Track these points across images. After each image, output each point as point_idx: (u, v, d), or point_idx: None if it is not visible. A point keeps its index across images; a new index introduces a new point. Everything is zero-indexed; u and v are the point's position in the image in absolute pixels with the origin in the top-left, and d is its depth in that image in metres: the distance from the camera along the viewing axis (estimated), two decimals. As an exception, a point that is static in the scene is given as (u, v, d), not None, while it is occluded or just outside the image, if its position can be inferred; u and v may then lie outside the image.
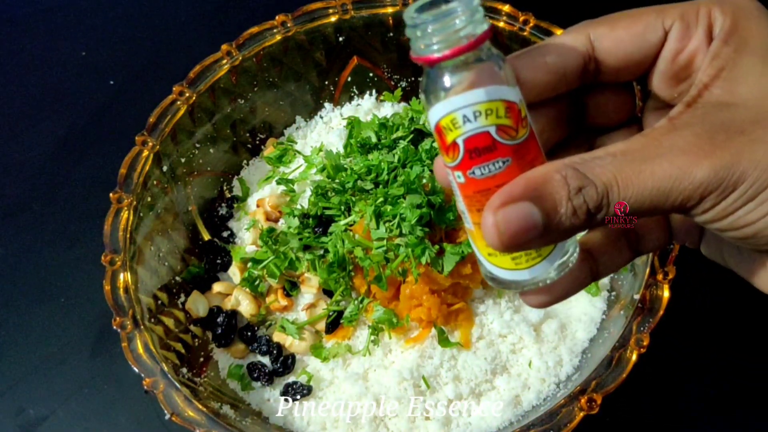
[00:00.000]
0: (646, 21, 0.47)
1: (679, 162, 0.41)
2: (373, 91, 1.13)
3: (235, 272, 0.97)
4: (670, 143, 0.42)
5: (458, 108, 0.43)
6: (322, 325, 0.92)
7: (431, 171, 0.92)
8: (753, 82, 0.43)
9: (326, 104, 1.13)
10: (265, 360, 0.92)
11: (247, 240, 1.00)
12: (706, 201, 0.42)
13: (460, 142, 0.44)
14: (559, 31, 0.95)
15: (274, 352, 0.91)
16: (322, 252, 0.92)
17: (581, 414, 0.73)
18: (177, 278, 0.95)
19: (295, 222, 0.94)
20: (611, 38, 0.48)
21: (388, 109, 1.11)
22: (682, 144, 0.42)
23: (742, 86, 0.44)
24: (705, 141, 0.42)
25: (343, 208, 0.92)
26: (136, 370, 0.78)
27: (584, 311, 0.91)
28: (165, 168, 0.95)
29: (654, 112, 0.52)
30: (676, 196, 0.41)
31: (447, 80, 0.44)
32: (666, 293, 0.79)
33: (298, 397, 0.87)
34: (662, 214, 0.51)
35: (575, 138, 0.54)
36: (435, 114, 0.44)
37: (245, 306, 0.93)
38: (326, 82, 1.11)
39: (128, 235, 0.86)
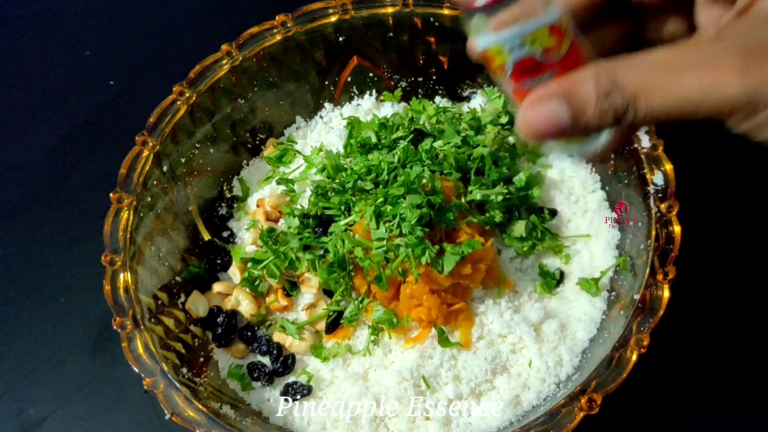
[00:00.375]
0: None
1: (710, 76, 0.42)
2: (373, 91, 1.13)
3: (235, 272, 0.97)
4: (707, 55, 0.42)
5: (504, 40, 0.46)
6: (322, 325, 0.92)
7: (431, 171, 0.92)
8: None
9: (326, 104, 1.13)
10: (265, 360, 0.92)
11: (247, 240, 1.00)
12: (736, 116, 0.43)
13: (507, 66, 0.47)
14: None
15: (274, 352, 0.91)
16: (322, 252, 0.92)
17: (581, 414, 0.73)
18: (177, 278, 0.95)
19: (295, 222, 0.94)
20: None
21: (388, 109, 1.11)
22: (719, 57, 0.42)
23: None
24: (741, 57, 0.42)
25: (343, 208, 0.92)
26: (136, 370, 0.78)
27: (584, 311, 0.91)
28: (165, 168, 0.95)
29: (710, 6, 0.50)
30: (705, 109, 0.43)
31: (490, 15, 0.47)
32: (666, 293, 0.79)
33: (298, 397, 0.87)
34: (692, 121, 0.51)
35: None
36: (480, 43, 0.47)
37: (245, 306, 0.93)
38: (326, 82, 1.11)
39: (128, 235, 0.86)
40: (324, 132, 1.11)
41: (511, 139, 1.01)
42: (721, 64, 0.42)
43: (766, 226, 1.05)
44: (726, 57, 0.42)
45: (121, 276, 0.83)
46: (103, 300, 0.82)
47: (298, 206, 0.98)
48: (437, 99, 1.13)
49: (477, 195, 0.92)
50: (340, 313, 0.91)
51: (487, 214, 0.93)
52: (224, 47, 1.00)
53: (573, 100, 0.44)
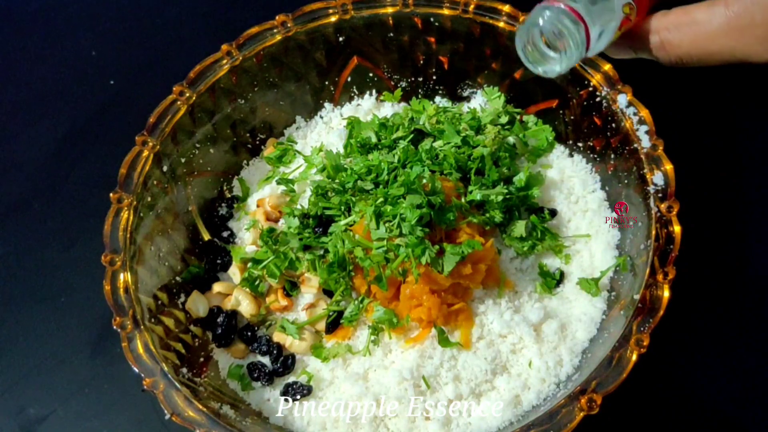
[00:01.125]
0: None
1: (740, 44, 0.57)
2: (373, 91, 1.13)
3: (235, 272, 0.97)
4: (735, 21, 0.56)
5: None
6: (322, 325, 0.92)
7: (431, 171, 0.92)
8: None
9: (326, 104, 1.13)
10: (265, 360, 0.92)
11: (247, 240, 1.00)
12: None
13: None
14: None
15: (274, 352, 0.91)
16: (322, 252, 0.92)
17: (581, 414, 0.73)
18: (177, 278, 0.95)
19: (295, 222, 0.94)
20: None
21: (388, 109, 1.11)
22: (747, 25, 0.56)
23: None
24: (765, 27, 0.55)
25: (343, 208, 0.92)
26: (136, 370, 0.78)
27: (584, 311, 0.91)
28: (165, 168, 0.95)
29: None
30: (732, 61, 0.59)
31: None
32: (666, 293, 0.79)
33: (298, 397, 0.87)
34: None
35: None
36: None
37: (245, 306, 0.93)
38: (326, 82, 1.11)
39: (128, 235, 0.86)
40: (324, 132, 1.11)
41: (511, 139, 1.01)
42: (749, 33, 0.55)
43: (766, 226, 1.06)
44: (753, 25, 0.55)
45: (121, 276, 0.83)
46: (103, 300, 0.82)
47: (298, 206, 0.98)
48: (437, 99, 1.13)
49: (477, 195, 0.92)
50: (340, 313, 0.91)
51: (487, 214, 0.93)
52: (224, 47, 1.00)
53: (637, 48, 0.66)
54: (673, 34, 0.61)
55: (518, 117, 1.06)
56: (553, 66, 0.65)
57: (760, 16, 0.54)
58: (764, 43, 0.55)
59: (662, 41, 0.62)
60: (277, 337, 0.92)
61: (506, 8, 0.98)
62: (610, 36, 0.64)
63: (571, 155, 1.04)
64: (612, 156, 0.96)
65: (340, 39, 1.05)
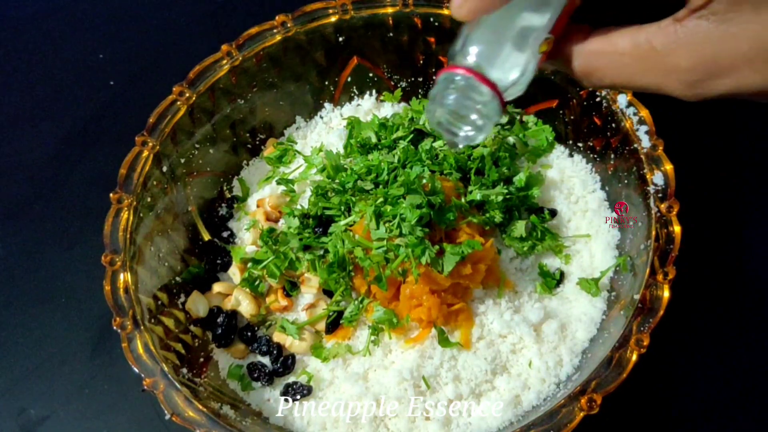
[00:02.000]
0: None
1: (662, 83, 0.53)
2: (373, 91, 1.13)
3: (235, 272, 0.97)
4: (661, 62, 0.51)
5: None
6: (322, 325, 0.92)
7: (431, 171, 0.92)
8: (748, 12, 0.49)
9: (326, 104, 1.13)
10: (265, 360, 0.92)
11: (247, 240, 1.00)
12: None
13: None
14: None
15: (274, 352, 0.91)
16: (322, 252, 0.92)
17: (581, 414, 0.73)
18: (177, 278, 0.95)
19: (295, 222, 0.94)
20: None
21: (388, 109, 1.11)
22: (671, 68, 0.51)
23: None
24: (689, 72, 0.51)
25: (343, 208, 0.92)
26: (136, 370, 0.78)
27: (584, 311, 0.91)
28: (165, 168, 0.95)
29: None
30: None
31: None
32: (666, 293, 0.79)
33: (298, 397, 0.87)
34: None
35: None
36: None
37: (245, 306, 0.93)
38: (326, 82, 1.11)
39: (128, 235, 0.86)
40: (324, 132, 1.11)
41: (511, 139, 1.01)
42: (673, 76, 0.51)
43: (766, 226, 1.05)
44: (678, 70, 0.51)
45: (121, 276, 0.83)
46: (103, 300, 0.82)
47: (298, 206, 0.98)
48: (437, 99, 1.13)
49: (477, 195, 0.92)
50: (340, 313, 0.91)
51: (487, 214, 0.93)
52: (224, 47, 1.00)
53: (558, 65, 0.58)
54: (596, 61, 0.55)
55: (518, 117, 1.06)
56: (475, 137, 0.58)
57: (685, 61, 0.50)
58: (690, 88, 0.51)
59: (585, 67, 0.56)
60: (277, 337, 0.92)
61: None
62: (528, 80, 0.56)
63: (571, 155, 1.04)
64: (612, 156, 0.96)
65: (340, 39, 1.05)
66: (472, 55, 0.54)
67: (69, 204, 1.15)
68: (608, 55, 0.54)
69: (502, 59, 0.54)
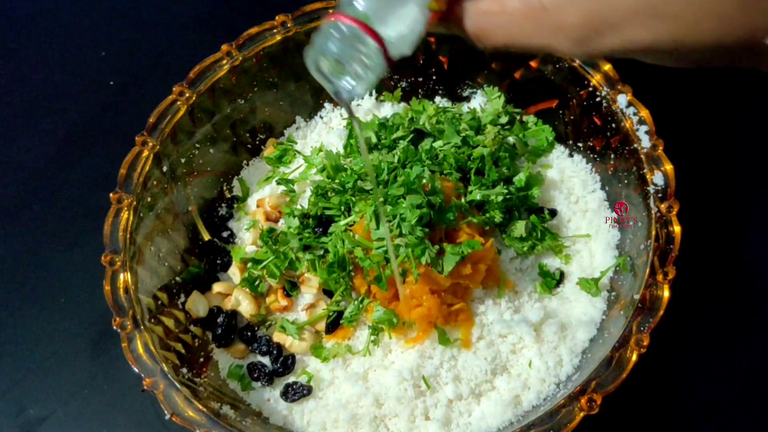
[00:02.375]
0: None
1: (549, 41, 0.54)
2: (373, 91, 1.13)
3: (235, 272, 0.97)
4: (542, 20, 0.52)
5: None
6: (322, 325, 0.92)
7: (431, 171, 0.92)
8: None
9: (326, 104, 1.13)
10: (265, 360, 0.92)
11: (247, 240, 1.00)
12: None
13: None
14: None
15: (274, 352, 0.91)
16: (322, 252, 0.92)
17: (581, 414, 0.73)
18: (177, 278, 0.95)
19: (295, 222, 0.94)
20: None
21: (388, 109, 1.11)
22: (555, 26, 0.52)
23: None
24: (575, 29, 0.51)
25: (343, 208, 0.92)
26: (136, 370, 0.78)
27: (584, 311, 0.91)
28: (165, 168, 0.95)
29: None
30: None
31: None
32: (666, 293, 0.79)
33: (298, 397, 0.87)
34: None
35: None
36: None
37: (245, 306, 0.93)
38: (326, 82, 1.11)
39: (128, 235, 0.86)
40: (324, 132, 1.11)
41: (511, 139, 1.01)
42: (562, 34, 0.51)
43: (766, 226, 1.06)
44: (566, 26, 0.51)
45: (121, 276, 0.83)
46: (103, 300, 0.82)
47: (298, 206, 0.98)
48: (437, 99, 1.13)
49: (477, 195, 0.92)
50: (340, 313, 0.91)
51: (487, 214, 0.93)
52: (224, 47, 1.00)
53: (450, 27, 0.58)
54: (487, 22, 0.55)
55: (518, 117, 1.06)
56: (354, 89, 0.59)
57: (573, 17, 0.50)
58: (579, 45, 0.51)
59: (477, 28, 0.56)
60: (277, 337, 0.92)
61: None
62: (415, 38, 0.56)
63: (571, 155, 1.04)
64: (612, 156, 0.96)
65: (340, 39, 1.05)
66: (360, 4, 0.54)
67: (69, 204, 1.14)
68: (499, 15, 0.54)
69: (390, 12, 0.54)
